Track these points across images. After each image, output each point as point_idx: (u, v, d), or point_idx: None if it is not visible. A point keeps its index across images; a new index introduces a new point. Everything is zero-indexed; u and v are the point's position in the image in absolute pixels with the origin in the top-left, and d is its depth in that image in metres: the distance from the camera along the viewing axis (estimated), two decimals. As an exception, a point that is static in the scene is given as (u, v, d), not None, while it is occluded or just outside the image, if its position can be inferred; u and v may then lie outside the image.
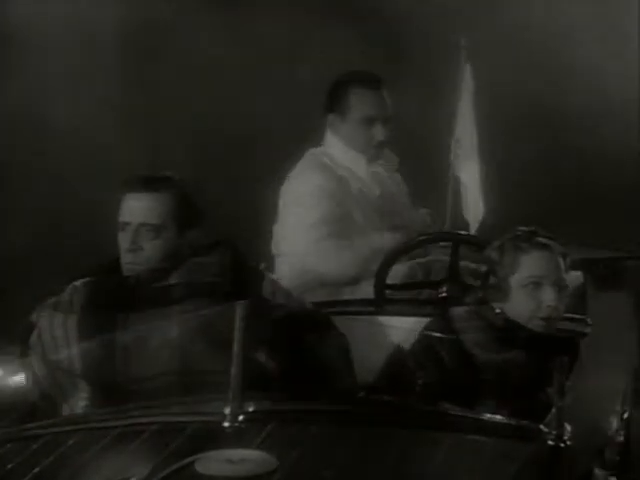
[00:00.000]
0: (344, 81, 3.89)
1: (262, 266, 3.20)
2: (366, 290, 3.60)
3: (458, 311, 3.03)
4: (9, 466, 2.21)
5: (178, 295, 2.86)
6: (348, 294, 3.69)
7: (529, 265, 2.95)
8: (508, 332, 2.92)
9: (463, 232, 3.88)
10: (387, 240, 3.72)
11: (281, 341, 2.83)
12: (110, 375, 2.79)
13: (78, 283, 2.94)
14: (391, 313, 3.44)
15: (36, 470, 2.16)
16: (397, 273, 3.61)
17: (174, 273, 2.91)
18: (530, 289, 2.94)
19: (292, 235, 3.76)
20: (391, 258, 3.56)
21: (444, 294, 3.50)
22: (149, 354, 2.78)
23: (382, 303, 3.52)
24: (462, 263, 3.51)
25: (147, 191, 2.94)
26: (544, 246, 2.96)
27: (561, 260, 2.97)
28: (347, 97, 3.83)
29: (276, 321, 2.86)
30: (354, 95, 3.83)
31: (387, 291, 3.55)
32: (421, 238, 3.68)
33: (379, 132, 3.82)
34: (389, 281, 3.54)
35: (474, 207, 4.34)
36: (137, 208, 2.94)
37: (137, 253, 2.91)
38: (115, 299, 2.86)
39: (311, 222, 3.70)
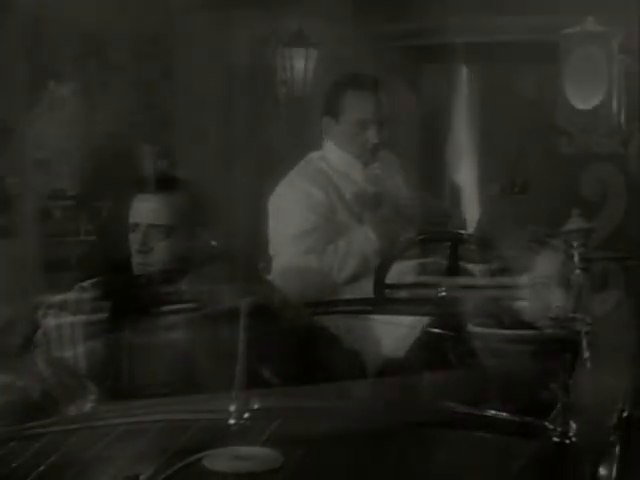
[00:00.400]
0: (340, 83, 3.86)
1: (260, 266, 3.21)
2: (366, 289, 3.60)
3: (463, 308, 3.03)
4: (13, 465, 2.20)
5: (188, 300, 2.86)
6: (348, 293, 3.69)
7: (537, 265, 2.94)
8: (515, 330, 2.92)
9: (462, 231, 3.88)
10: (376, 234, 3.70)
11: (287, 358, 2.82)
12: (116, 376, 2.79)
13: (86, 283, 2.94)
14: (391, 312, 3.44)
15: (40, 469, 2.15)
16: (397, 272, 3.61)
17: (186, 279, 2.90)
18: (538, 289, 2.94)
19: (279, 244, 3.75)
20: (390, 257, 3.56)
21: (443, 294, 3.50)
22: (154, 357, 2.78)
23: (382, 302, 3.52)
24: (461, 263, 3.51)
25: (156, 192, 2.96)
26: (552, 246, 2.97)
27: (568, 260, 2.97)
28: (342, 99, 3.80)
29: (283, 336, 2.85)
30: (349, 97, 3.79)
31: (387, 290, 3.55)
32: (420, 237, 3.68)
33: (373, 135, 3.78)
34: (389, 281, 3.54)
35: (472, 207, 4.35)
36: (146, 209, 2.96)
37: (147, 254, 2.94)
38: (124, 299, 2.87)
39: (296, 233, 3.65)
